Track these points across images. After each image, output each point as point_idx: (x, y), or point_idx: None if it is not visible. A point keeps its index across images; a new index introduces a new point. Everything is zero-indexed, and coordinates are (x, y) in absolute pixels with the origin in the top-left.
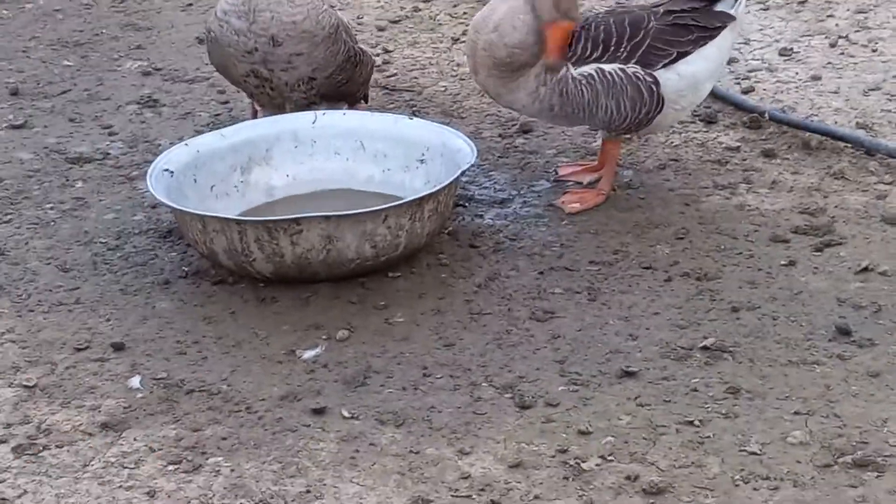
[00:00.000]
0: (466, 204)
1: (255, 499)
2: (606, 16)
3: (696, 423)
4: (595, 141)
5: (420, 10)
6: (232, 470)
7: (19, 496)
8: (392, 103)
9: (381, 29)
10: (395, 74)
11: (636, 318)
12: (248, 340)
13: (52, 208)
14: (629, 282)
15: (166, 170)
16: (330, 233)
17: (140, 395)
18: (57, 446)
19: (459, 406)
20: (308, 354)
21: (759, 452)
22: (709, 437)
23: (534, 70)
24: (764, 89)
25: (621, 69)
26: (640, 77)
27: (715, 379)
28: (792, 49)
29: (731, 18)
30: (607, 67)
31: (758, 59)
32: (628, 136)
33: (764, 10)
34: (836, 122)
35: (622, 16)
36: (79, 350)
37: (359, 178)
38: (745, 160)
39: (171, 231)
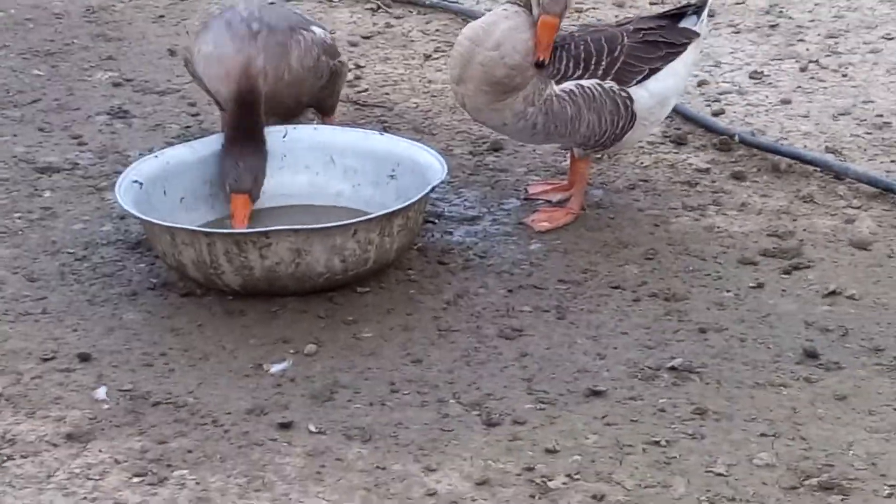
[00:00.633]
0: (436, 220)
1: None
2: (583, 33)
3: (663, 443)
4: (565, 160)
5: (392, 26)
6: (197, 483)
7: None
8: (363, 119)
9: (353, 44)
10: (366, 90)
11: (604, 338)
12: (216, 353)
13: (20, 217)
14: (597, 301)
15: (135, 181)
16: (299, 246)
17: (106, 406)
18: (21, 456)
19: (426, 422)
20: (275, 368)
21: (725, 474)
22: (675, 457)
23: (523, 92)
24: (734, 112)
25: (599, 84)
26: (616, 92)
27: (682, 399)
28: (762, 72)
29: (696, 35)
30: (586, 83)
31: (728, 82)
32: (600, 153)
33: (735, 33)
34: (805, 146)
35: (598, 34)
36: (45, 360)
37: (328, 192)
38: (714, 182)
39: (139, 242)
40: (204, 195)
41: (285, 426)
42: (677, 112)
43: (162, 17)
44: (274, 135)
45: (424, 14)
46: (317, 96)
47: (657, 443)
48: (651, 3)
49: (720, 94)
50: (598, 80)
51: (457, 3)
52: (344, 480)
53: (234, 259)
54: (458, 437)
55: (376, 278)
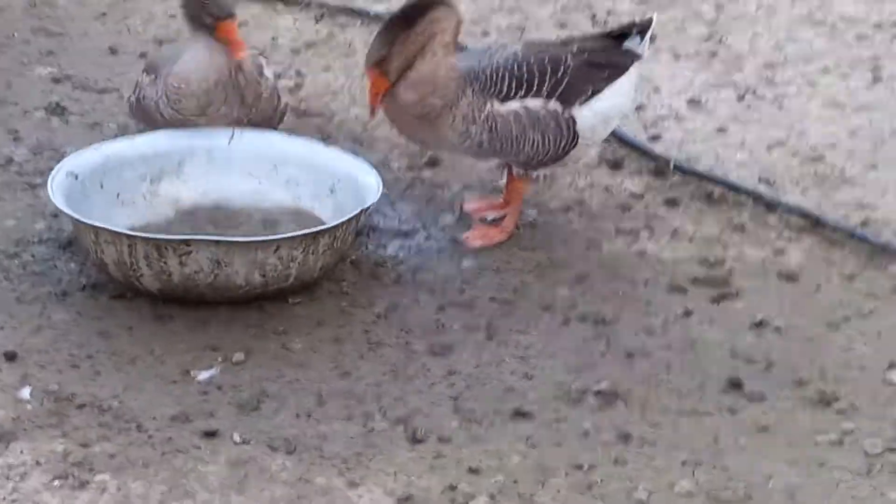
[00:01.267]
0: (370, 233)
1: None
2: (527, 52)
3: (586, 467)
4: (501, 178)
5: (335, 35)
6: (119, 488)
7: None
8: (302, 127)
9: (294, 51)
10: (306, 98)
11: (532, 359)
12: (143, 358)
13: None
14: (527, 321)
15: (71, 173)
16: (219, 257)
17: (29, 406)
18: None
19: (352, 436)
20: (203, 375)
21: (645, 500)
22: (597, 481)
23: (460, 111)
24: (670, 138)
25: (543, 105)
26: (560, 113)
27: (606, 424)
28: (700, 100)
29: (638, 57)
30: (531, 103)
31: (666, 108)
32: (539, 172)
33: (675, 59)
34: (739, 176)
35: (542, 54)
36: None
37: (270, 201)
38: (648, 207)
39: (71, 241)
40: (142, 192)
41: (210, 434)
42: (614, 135)
43: (104, 14)
44: (220, 138)
45: (368, 24)
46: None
47: (580, 466)
48: (593, 25)
49: (657, 119)
50: (542, 101)
51: None
52: (267, 491)
53: (154, 264)
54: (382, 452)
55: (308, 289)
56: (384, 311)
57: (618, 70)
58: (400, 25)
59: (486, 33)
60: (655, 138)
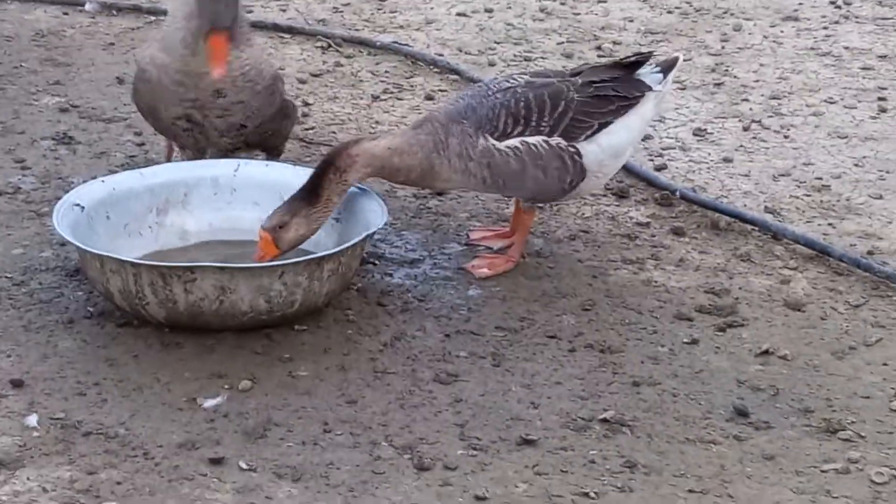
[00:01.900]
0: (376, 262)
1: None
2: (526, 89)
3: (592, 494)
4: (508, 207)
5: (342, 65)
6: None
7: None
8: (308, 156)
9: (301, 81)
10: (313, 128)
11: (538, 387)
12: (150, 385)
13: None
14: (533, 350)
15: (77, 204)
16: (224, 284)
17: (36, 434)
18: None
19: (358, 464)
20: (209, 403)
21: None
22: None
23: (455, 151)
24: (676, 168)
25: (545, 141)
26: (563, 148)
27: (613, 452)
28: (706, 130)
29: (649, 88)
30: (532, 140)
31: (672, 138)
32: (547, 204)
33: (681, 89)
34: (745, 205)
35: (542, 89)
36: None
37: None
38: (654, 236)
39: (78, 269)
40: (148, 223)
41: (216, 462)
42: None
43: (112, 44)
44: (225, 169)
45: (374, 55)
46: (264, 133)
47: (586, 494)
48: (598, 56)
49: (663, 149)
50: (544, 137)
51: (407, 45)
52: None
53: (160, 292)
54: (388, 480)
55: (314, 317)
56: (390, 339)
57: (627, 103)
58: (306, 199)
59: (492, 64)
60: (661, 168)
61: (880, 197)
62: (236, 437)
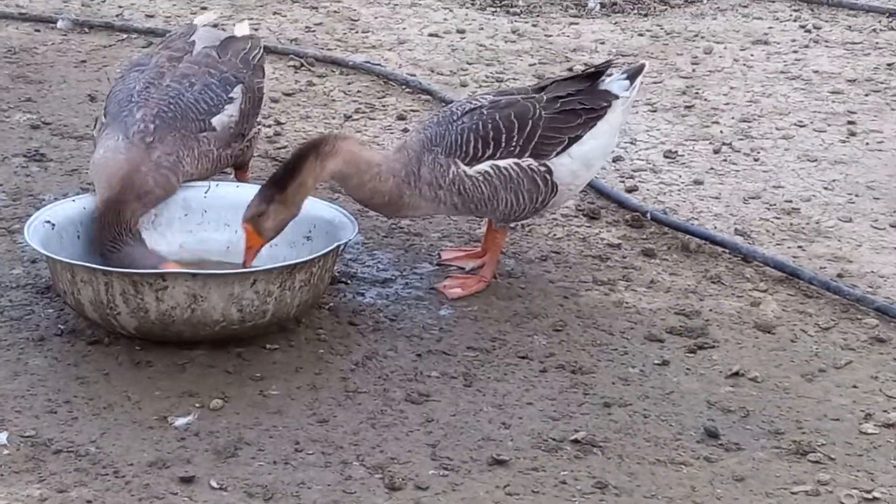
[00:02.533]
0: (348, 281)
1: None
2: (492, 110)
3: None
4: (480, 227)
5: (314, 84)
6: None
7: None
8: None
9: (274, 100)
10: (285, 147)
11: (510, 407)
12: (120, 403)
13: None
14: (505, 370)
15: (48, 222)
16: (196, 291)
17: (6, 452)
18: None
19: (329, 484)
20: (180, 422)
21: None
22: None
23: (424, 180)
24: (647, 189)
25: (516, 163)
26: (535, 168)
27: (584, 473)
28: (676, 152)
29: (615, 96)
30: (502, 163)
31: (643, 160)
32: (518, 223)
33: (652, 111)
34: (715, 227)
35: (507, 109)
36: None
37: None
38: (625, 258)
39: (48, 287)
40: None
41: (187, 481)
42: (591, 187)
43: (84, 62)
44: (196, 191)
45: (347, 74)
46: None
47: None
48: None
49: (634, 171)
50: (515, 159)
51: (379, 65)
52: None
53: (131, 300)
54: (359, 500)
55: (285, 336)
56: (362, 358)
57: (595, 114)
58: (279, 183)
59: (464, 84)
60: (632, 190)
61: (850, 220)
62: (207, 455)
